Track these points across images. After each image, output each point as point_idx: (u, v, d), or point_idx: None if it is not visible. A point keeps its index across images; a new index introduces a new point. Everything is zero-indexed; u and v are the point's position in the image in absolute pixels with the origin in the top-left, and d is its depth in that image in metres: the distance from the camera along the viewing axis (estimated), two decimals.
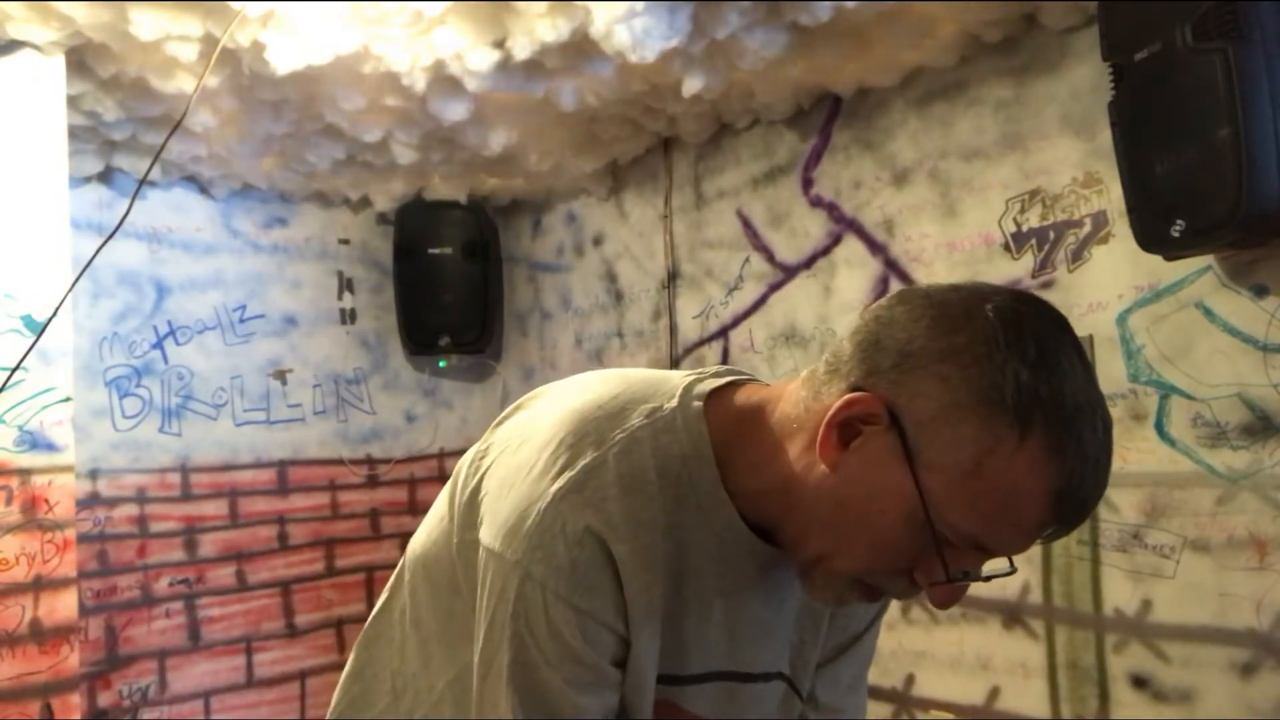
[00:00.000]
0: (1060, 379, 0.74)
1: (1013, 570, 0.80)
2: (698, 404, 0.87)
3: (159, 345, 3.38)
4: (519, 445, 0.88)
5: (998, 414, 0.73)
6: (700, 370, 0.93)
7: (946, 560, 0.76)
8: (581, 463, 0.82)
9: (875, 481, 0.77)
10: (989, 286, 0.80)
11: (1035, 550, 2.28)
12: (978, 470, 0.73)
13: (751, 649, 0.91)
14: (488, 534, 0.85)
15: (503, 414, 0.97)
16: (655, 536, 0.83)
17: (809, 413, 0.82)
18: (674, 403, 0.87)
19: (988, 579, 0.79)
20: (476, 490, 0.89)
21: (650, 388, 0.89)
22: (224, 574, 3.44)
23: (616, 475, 0.82)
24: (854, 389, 0.78)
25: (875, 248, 2.67)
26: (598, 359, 3.56)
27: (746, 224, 3.03)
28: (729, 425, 0.87)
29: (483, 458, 0.92)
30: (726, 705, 0.91)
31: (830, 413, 0.78)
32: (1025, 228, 2.33)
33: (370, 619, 1.05)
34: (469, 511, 0.89)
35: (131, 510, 3.29)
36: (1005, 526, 0.76)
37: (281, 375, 3.63)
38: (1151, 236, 1.91)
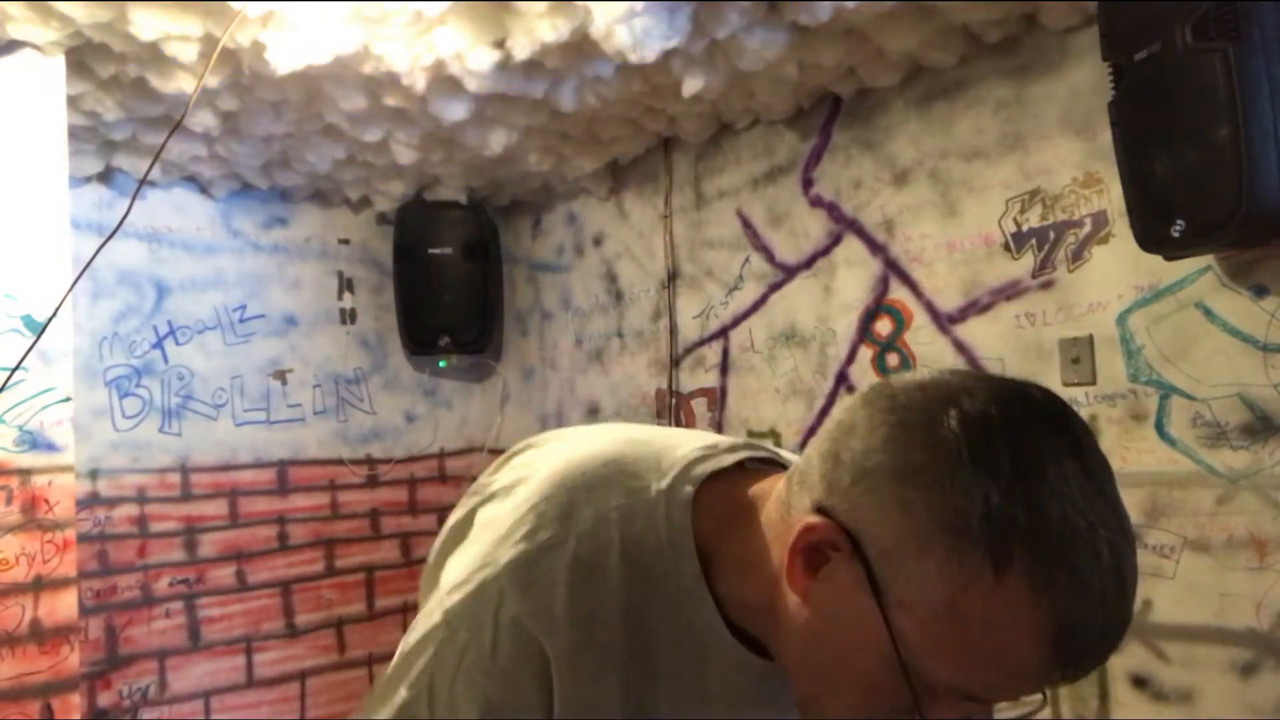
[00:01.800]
0: (1045, 498, 0.62)
1: (1044, 704, 0.71)
2: (689, 490, 0.78)
3: (159, 345, 3.38)
4: (508, 493, 0.84)
5: (966, 546, 0.61)
6: (714, 444, 0.84)
7: (925, 712, 0.65)
8: (541, 536, 0.77)
9: (847, 617, 0.67)
10: (964, 382, 0.68)
11: None
12: (952, 612, 0.62)
13: None
14: (447, 572, 0.81)
15: (514, 449, 0.92)
16: (610, 630, 0.75)
17: (784, 524, 0.72)
18: (664, 484, 0.79)
19: None
20: (470, 517, 0.86)
21: (649, 460, 0.81)
22: (224, 574, 3.44)
23: (572, 559, 0.75)
24: (817, 508, 0.69)
25: (875, 248, 2.67)
26: (598, 359, 3.56)
27: (746, 224, 3.03)
28: (723, 517, 0.78)
29: (487, 494, 0.88)
30: None
31: (792, 539, 0.69)
32: (1025, 228, 2.33)
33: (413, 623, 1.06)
34: (458, 533, 0.86)
35: (131, 510, 3.29)
36: (995, 676, 0.64)
37: (281, 375, 3.63)
38: (1151, 236, 1.91)
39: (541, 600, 0.74)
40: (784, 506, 0.73)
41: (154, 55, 2.35)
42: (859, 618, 0.66)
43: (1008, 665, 0.63)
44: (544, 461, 0.85)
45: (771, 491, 0.77)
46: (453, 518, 0.89)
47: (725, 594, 0.77)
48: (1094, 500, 0.64)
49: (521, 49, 2.30)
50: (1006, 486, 0.61)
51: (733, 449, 0.84)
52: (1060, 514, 0.62)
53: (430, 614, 0.79)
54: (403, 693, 0.78)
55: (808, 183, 2.85)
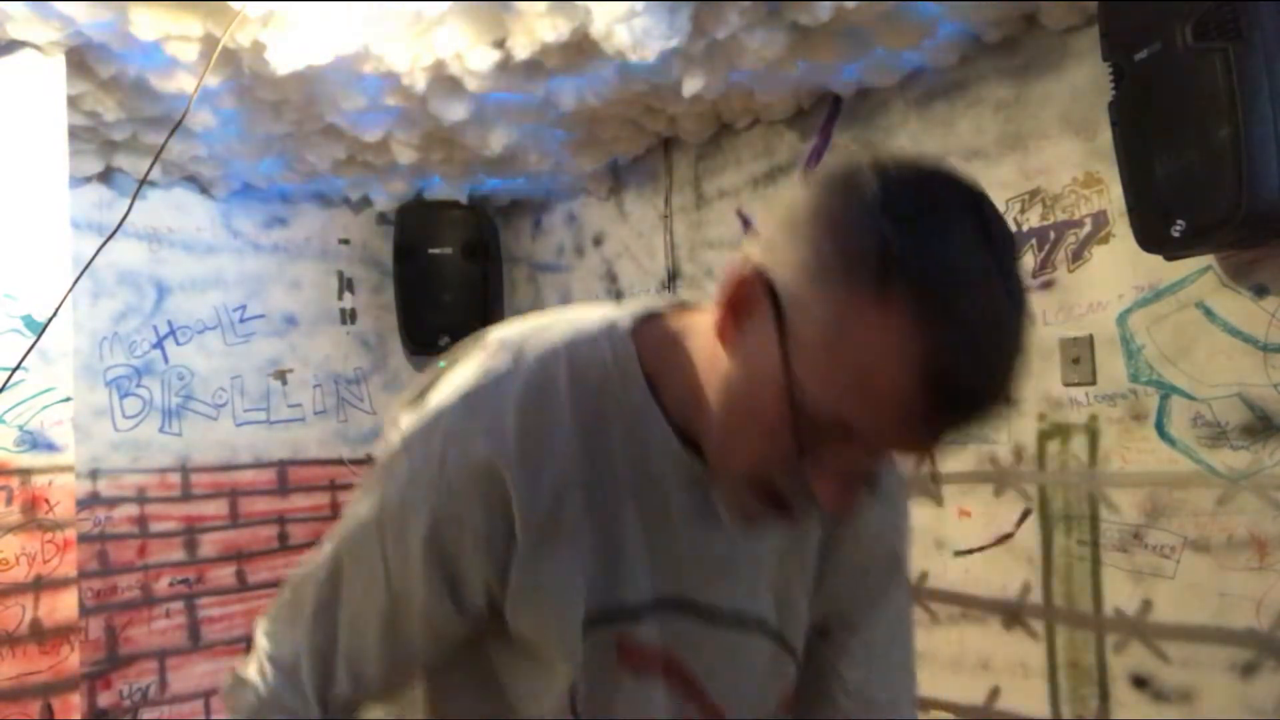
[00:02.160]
0: (940, 242, 0.64)
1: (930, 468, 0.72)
2: (629, 322, 0.83)
3: (159, 345, 3.38)
4: (468, 356, 0.88)
5: (857, 274, 0.64)
6: (658, 297, 0.90)
7: (805, 439, 0.68)
8: (494, 371, 0.81)
9: (759, 364, 0.70)
10: (901, 153, 0.72)
11: (1035, 550, 2.28)
12: (835, 337, 0.65)
13: (709, 580, 0.83)
14: (407, 419, 0.87)
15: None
16: (565, 445, 0.78)
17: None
18: (605, 322, 0.83)
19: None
20: (435, 382, 0.89)
21: (591, 312, 0.86)
22: (224, 574, 3.44)
23: (523, 384, 0.79)
24: (754, 264, 0.72)
25: None
26: None
27: (747, 224, 3.02)
28: (661, 339, 0.81)
29: (452, 361, 0.92)
30: (693, 651, 0.83)
31: (722, 292, 0.73)
32: (1025, 228, 2.33)
33: None
34: (421, 396, 0.90)
35: (131, 510, 3.29)
36: (865, 404, 0.66)
37: (281, 375, 3.62)
38: (1151, 236, 1.91)
39: (491, 417, 0.78)
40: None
41: (154, 55, 2.35)
42: (767, 359, 0.68)
43: (875, 394, 0.65)
44: (500, 329, 0.89)
45: (707, 315, 0.80)
46: (415, 386, 0.92)
47: (669, 405, 0.80)
48: (989, 266, 0.65)
49: (521, 49, 2.30)
50: (903, 227, 0.64)
51: (672, 300, 0.88)
52: (950, 265, 0.64)
53: (390, 444, 0.85)
54: (361, 510, 0.86)
55: None
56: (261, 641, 0.89)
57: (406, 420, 0.84)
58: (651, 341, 0.81)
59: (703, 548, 0.82)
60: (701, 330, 0.78)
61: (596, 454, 0.79)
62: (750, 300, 0.71)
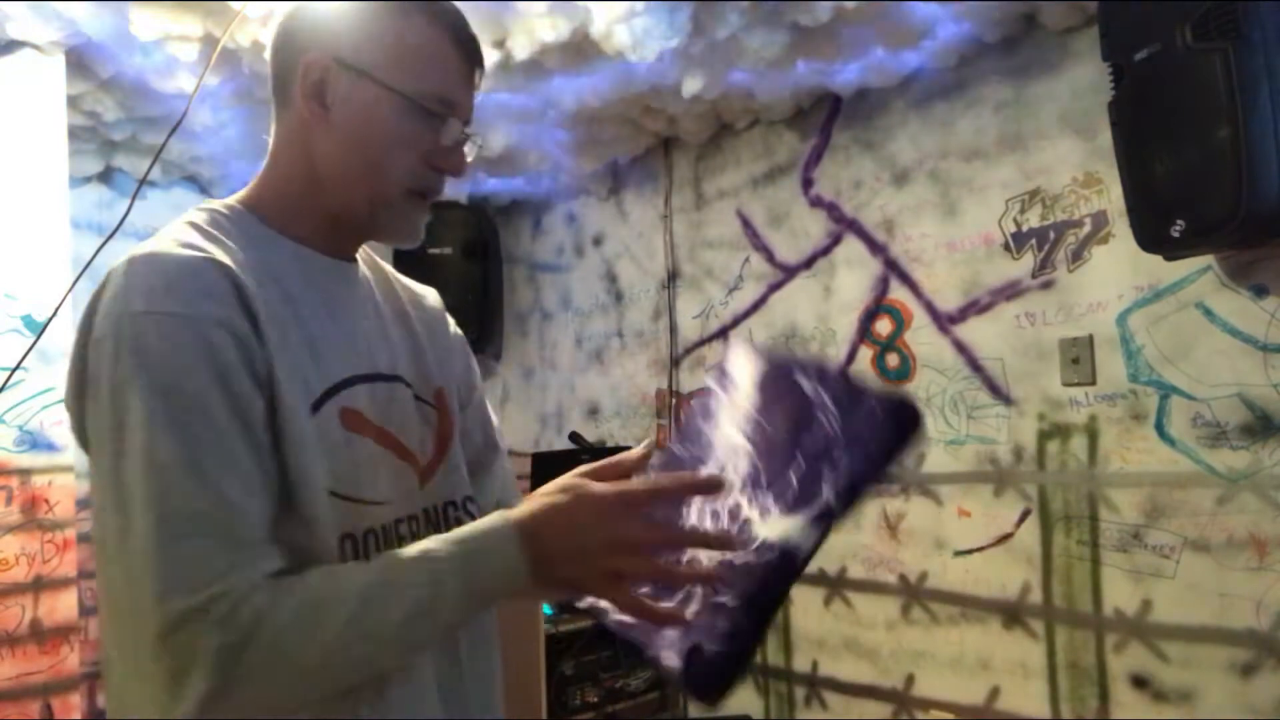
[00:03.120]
0: None
1: (474, 141, 1.05)
2: (218, 205, 1.00)
3: None
4: None
5: (395, 12, 0.96)
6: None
7: (427, 130, 0.97)
8: (149, 245, 0.92)
9: (360, 108, 0.95)
10: None
11: (1035, 550, 2.28)
12: (402, 48, 0.96)
13: (371, 352, 1.00)
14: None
15: None
16: (239, 267, 0.89)
17: (291, 116, 0.98)
18: (198, 212, 0.99)
19: (467, 136, 1.03)
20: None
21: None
22: None
23: (181, 230, 0.93)
24: (309, 58, 0.95)
25: (875, 248, 2.67)
26: (598, 359, 3.56)
27: (746, 224, 3.03)
28: (251, 199, 1.00)
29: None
30: (380, 409, 0.98)
31: (297, 92, 0.95)
32: (1025, 228, 2.33)
33: None
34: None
35: None
36: (444, 70, 0.99)
37: None
38: (1151, 236, 1.91)
39: (184, 246, 0.89)
40: (285, 114, 0.99)
41: (154, 55, 2.35)
42: (368, 99, 0.95)
43: (445, 61, 0.99)
44: None
45: (263, 173, 1.02)
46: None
47: (302, 233, 0.98)
48: None
49: (521, 49, 2.30)
50: None
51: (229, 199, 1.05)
52: None
53: (95, 361, 0.85)
54: (137, 404, 0.80)
55: (808, 183, 2.85)
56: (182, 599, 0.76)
57: (103, 318, 0.86)
58: (250, 205, 0.99)
59: (359, 326, 1.01)
60: (274, 175, 1.00)
61: (259, 271, 0.92)
62: (323, 78, 0.95)
